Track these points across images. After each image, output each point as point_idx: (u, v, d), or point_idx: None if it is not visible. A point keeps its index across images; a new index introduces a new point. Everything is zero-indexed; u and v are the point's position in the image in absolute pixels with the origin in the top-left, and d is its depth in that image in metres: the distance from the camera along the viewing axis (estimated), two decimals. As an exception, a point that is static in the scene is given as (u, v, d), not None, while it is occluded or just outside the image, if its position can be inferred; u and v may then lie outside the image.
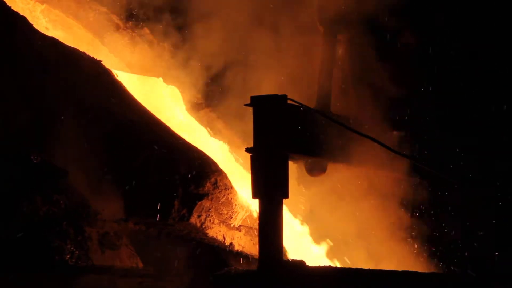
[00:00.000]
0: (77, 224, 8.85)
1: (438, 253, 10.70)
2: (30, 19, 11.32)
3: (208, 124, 10.81)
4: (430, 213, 10.80)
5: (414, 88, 10.75)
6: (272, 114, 7.87)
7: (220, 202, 9.44)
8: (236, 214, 9.62)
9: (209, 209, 9.37)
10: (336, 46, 9.84)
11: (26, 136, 8.93)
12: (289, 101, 7.99)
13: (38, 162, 8.56)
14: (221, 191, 9.41)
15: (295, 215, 10.73)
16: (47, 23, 11.55)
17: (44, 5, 11.45)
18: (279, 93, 8.01)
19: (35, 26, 11.32)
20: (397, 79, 10.47)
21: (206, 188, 9.32)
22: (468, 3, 10.72)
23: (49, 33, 11.53)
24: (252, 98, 7.93)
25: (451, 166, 10.65)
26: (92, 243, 8.97)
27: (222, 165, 9.89)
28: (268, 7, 10.77)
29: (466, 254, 10.43)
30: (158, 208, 9.19)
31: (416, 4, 10.63)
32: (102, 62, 9.96)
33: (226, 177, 9.48)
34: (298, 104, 8.11)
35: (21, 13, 11.24)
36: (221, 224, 9.55)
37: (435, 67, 11.04)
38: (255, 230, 9.87)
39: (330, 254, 10.76)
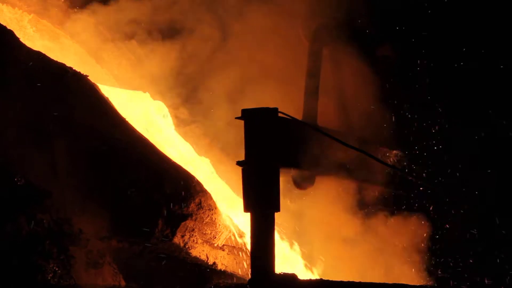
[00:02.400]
0: (60, 243, 8.83)
1: (432, 265, 10.83)
2: (17, 29, 11.29)
3: (194, 140, 10.79)
4: (420, 226, 10.91)
5: (399, 100, 10.85)
6: (264, 127, 7.93)
7: (204, 222, 9.44)
8: (219, 234, 9.62)
9: (193, 229, 9.38)
10: (322, 59, 9.88)
11: (11, 153, 8.88)
12: (280, 114, 8.02)
13: (22, 184, 8.54)
14: (205, 211, 9.41)
15: (280, 229, 10.76)
16: (34, 32, 11.49)
17: (32, 14, 11.38)
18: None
19: (22, 35, 11.30)
20: (382, 91, 10.56)
21: (190, 208, 9.32)
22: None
23: (36, 42, 11.48)
24: (243, 111, 7.99)
25: (440, 179, 10.79)
26: (75, 262, 8.95)
27: (206, 183, 9.90)
28: (258, 24, 10.79)
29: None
30: (142, 227, 9.18)
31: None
32: (88, 77, 9.88)
33: (211, 198, 9.48)
34: (289, 117, 8.13)
35: (8, 22, 11.22)
36: (205, 244, 9.55)
37: (421, 79, 11.16)
38: (238, 250, 9.90)
39: (318, 268, 10.80)
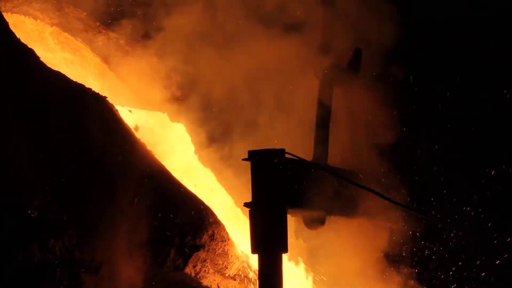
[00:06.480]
0: (72, 270, 8.84)
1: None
2: (38, 40, 11.27)
3: (210, 165, 10.72)
4: (430, 264, 10.90)
5: (410, 136, 10.83)
6: (270, 169, 7.93)
7: (216, 253, 9.41)
8: (231, 265, 9.59)
9: (205, 259, 9.35)
10: (333, 97, 9.82)
11: (24, 178, 8.84)
12: (286, 155, 8.01)
13: (35, 212, 8.53)
14: (218, 243, 9.38)
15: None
16: (56, 44, 11.46)
17: (54, 27, 11.33)
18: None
19: (43, 47, 11.27)
20: (393, 129, 10.54)
21: (203, 239, 9.29)
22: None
23: (57, 55, 11.46)
24: (250, 152, 8.03)
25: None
26: (86, 288, 8.98)
27: (220, 211, 9.89)
28: (276, 55, 10.72)
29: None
30: (154, 255, 9.17)
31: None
32: (107, 99, 9.80)
33: (224, 229, 9.44)
34: (296, 158, 8.12)
35: (30, 34, 11.20)
36: (216, 274, 9.53)
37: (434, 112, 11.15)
38: (249, 279, 9.87)
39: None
